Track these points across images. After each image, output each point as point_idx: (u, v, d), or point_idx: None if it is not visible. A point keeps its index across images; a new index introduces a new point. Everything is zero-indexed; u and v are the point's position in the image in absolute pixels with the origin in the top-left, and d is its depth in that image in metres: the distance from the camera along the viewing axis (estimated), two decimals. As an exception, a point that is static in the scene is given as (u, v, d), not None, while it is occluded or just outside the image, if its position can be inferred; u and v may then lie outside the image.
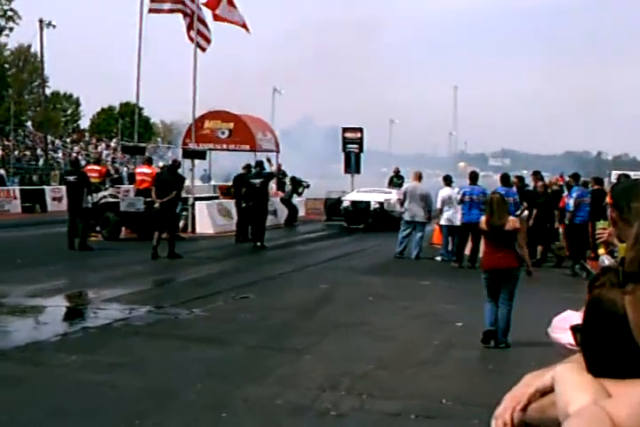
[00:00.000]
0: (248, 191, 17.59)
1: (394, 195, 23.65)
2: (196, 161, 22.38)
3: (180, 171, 16.55)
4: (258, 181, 17.50)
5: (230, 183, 20.90)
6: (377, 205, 22.75)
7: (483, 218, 8.50)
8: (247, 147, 25.23)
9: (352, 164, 29.69)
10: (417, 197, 16.25)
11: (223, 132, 25.02)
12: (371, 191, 24.23)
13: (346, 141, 29.94)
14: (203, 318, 9.51)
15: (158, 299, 10.65)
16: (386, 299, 11.15)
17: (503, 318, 8.20)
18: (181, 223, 19.46)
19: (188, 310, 9.83)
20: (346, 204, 23.16)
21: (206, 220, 20.63)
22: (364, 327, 9.09)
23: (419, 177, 16.79)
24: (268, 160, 20.64)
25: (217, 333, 8.64)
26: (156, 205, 15.15)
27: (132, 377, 6.72)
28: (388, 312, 10.15)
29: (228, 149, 26.02)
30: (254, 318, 9.54)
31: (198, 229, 20.42)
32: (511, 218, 8.46)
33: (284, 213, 24.60)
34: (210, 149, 24.83)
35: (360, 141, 30.01)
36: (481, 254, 14.97)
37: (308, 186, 25.99)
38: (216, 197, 23.25)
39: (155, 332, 8.62)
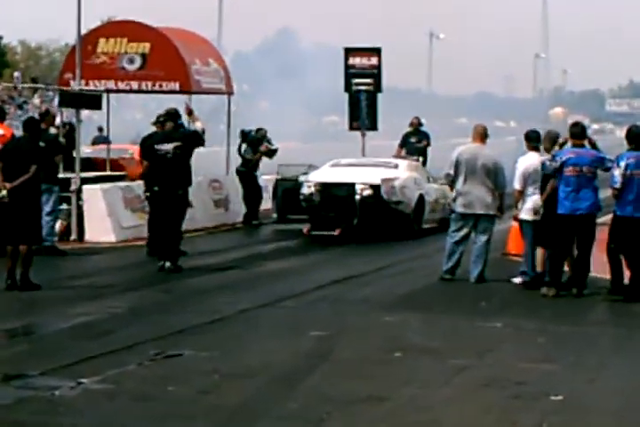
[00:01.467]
0: (152, 166, 17.40)
1: (402, 170, 23.13)
2: (85, 113, 22.35)
3: (54, 131, 16.39)
4: (169, 147, 17.19)
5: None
6: (368, 191, 22.08)
7: None
8: (175, 85, 25.19)
9: (362, 113, 29.77)
10: (479, 170, 16.30)
11: (132, 60, 24.97)
12: (357, 165, 23.80)
13: (351, 74, 29.99)
14: (100, 394, 9.48)
15: (19, 362, 10.64)
16: (425, 354, 11.21)
17: None
18: (58, 225, 19.45)
19: (74, 380, 9.82)
20: (309, 189, 22.41)
21: (103, 218, 20.66)
22: (386, 405, 9.13)
23: (482, 136, 16.80)
24: (189, 112, 20.47)
25: (125, 421, 8.62)
26: (3, 192, 15.11)
27: None
28: (430, 378, 10.19)
29: (141, 91, 26.01)
30: (191, 392, 9.55)
31: (89, 236, 20.51)
32: None
33: (240, 204, 24.57)
34: (109, 91, 24.80)
35: (377, 73, 30.09)
36: (593, 271, 15.06)
37: (274, 150, 25.33)
38: (120, 178, 23.26)
39: (13, 420, 8.58)
